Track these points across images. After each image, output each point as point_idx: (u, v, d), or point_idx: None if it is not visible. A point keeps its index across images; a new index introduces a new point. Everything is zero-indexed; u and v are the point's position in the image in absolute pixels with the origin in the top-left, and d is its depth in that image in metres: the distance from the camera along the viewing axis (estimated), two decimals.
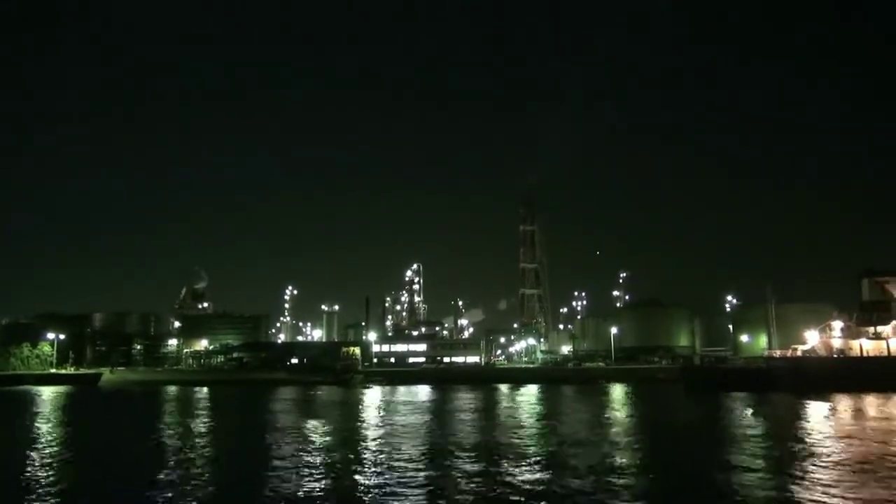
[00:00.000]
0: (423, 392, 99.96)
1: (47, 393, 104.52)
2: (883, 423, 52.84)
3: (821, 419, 56.82)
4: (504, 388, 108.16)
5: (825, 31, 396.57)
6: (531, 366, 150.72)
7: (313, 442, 45.39)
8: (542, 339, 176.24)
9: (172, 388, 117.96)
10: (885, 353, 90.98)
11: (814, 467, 33.19)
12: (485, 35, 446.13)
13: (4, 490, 30.25)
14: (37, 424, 59.25)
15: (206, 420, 63.61)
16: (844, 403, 69.26)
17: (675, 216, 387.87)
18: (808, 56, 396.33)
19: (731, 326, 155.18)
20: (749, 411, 64.22)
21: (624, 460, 36.39)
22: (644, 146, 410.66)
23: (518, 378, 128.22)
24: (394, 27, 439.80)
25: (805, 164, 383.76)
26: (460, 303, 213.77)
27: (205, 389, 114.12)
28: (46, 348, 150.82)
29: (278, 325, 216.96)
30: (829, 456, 36.72)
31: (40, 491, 29.37)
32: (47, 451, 41.70)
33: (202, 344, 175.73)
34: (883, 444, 40.88)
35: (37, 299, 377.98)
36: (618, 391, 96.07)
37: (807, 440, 43.08)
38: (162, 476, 32.17)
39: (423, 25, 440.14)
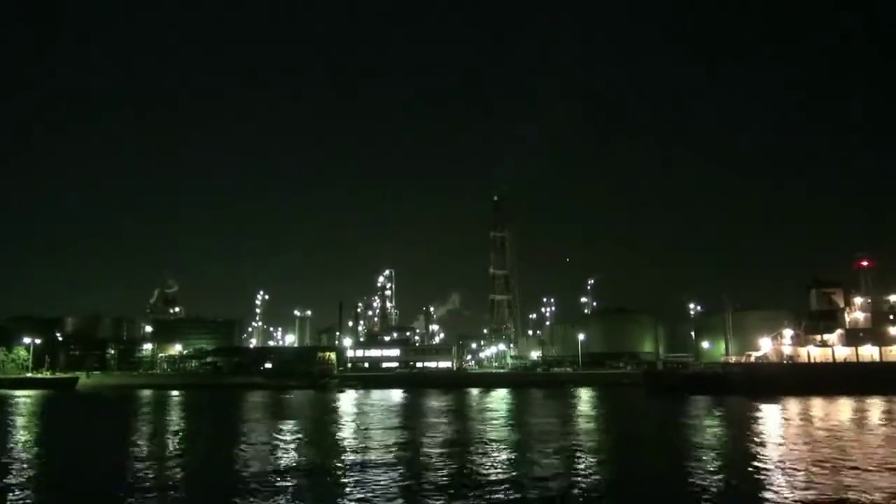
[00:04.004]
0: (396, 396, 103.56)
1: (25, 397, 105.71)
2: (823, 424, 57.73)
3: (764, 419, 61.80)
4: (475, 391, 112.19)
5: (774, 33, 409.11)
6: (501, 371, 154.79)
7: (299, 443, 48.99)
8: (511, 345, 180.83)
9: (148, 393, 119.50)
10: (831, 360, 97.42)
11: (749, 461, 37.71)
12: (456, 36, 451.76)
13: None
14: (33, 429, 61.92)
15: (187, 424, 66.53)
16: (792, 406, 74.53)
17: (643, 225, 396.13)
18: (767, 63, 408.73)
19: (693, 333, 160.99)
20: (702, 412, 69.08)
21: (582, 453, 40.70)
22: (613, 154, 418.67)
23: (488, 382, 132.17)
24: (366, 29, 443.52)
25: (770, 172, 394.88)
26: (431, 309, 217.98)
27: (180, 393, 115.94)
28: (22, 352, 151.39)
29: (250, 329, 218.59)
30: (763, 451, 41.48)
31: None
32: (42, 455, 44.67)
33: (176, 348, 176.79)
34: (823, 441, 45.24)
35: (3, 302, 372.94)
36: (584, 395, 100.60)
37: (747, 436, 47.90)
38: (145, 480, 33.01)
39: (396, 27, 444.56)
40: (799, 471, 33.80)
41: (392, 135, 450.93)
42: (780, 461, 37.11)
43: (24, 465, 37.22)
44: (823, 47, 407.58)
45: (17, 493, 29.56)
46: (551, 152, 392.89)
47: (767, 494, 28.69)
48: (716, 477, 32.82)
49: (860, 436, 48.37)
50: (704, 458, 38.53)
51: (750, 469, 34.62)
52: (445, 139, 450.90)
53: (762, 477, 32.46)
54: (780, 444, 44.59)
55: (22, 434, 54.28)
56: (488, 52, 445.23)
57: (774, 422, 60.43)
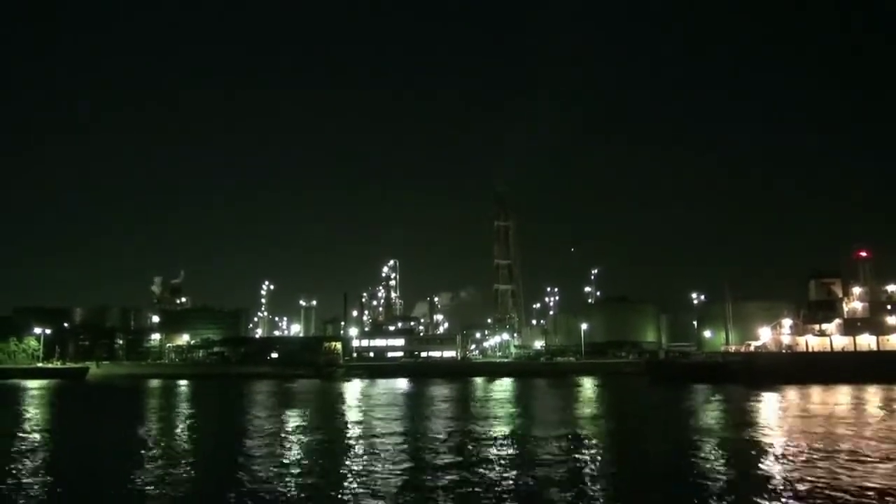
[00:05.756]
0: (402, 385, 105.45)
1: (38, 387, 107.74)
2: (820, 411, 59.24)
3: (762, 407, 63.32)
4: (479, 380, 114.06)
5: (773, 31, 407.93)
6: (505, 360, 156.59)
7: (306, 433, 50.75)
8: (515, 335, 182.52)
9: (157, 382, 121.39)
10: (829, 349, 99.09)
11: (743, 447, 39.31)
12: (459, 32, 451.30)
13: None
14: (49, 419, 63.87)
15: (196, 415, 68.13)
16: (790, 394, 76.14)
17: (647, 215, 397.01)
18: (767, 63, 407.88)
19: (695, 323, 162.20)
20: (702, 400, 70.68)
21: (584, 439, 42.37)
22: (616, 146, 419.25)
23: (492, 372, 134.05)
24: (368, 26, 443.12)
25: (770, 171, 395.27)
26: (436, 299, 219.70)
27: (188, 383, 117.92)
28: (33, 343, 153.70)
29: (256, 319, 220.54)
30: (757, 436, 43.06)
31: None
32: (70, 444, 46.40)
33: (183, 338, 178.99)
34: (819, 427, 46.60)
35: (10, 293, 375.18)
36: (587, 384, 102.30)
37: (743, 423, 49.50)
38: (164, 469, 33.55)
39: (396, 27, 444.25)
40: (792, 455, 35.27)
41: (392, 135, 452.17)
42: (773, 446, 38.54)
43: (38, 460, 37.44)
44: (823, 47, 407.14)
45: (25, 490, 29.54)
46: (551, 152, 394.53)
47: (761, 477, 29.98)
48: (713, 463, 34.27)
49: (857, 422, 49.74)
50: (701, 444, 40.01)
51: (743, 454, 36.14)
52: (445, 139, 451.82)
53: (755, 461, 33.82)
54: (775, 430, 46.08)
55: (37, 425, 55.78)
56: (488, 52, 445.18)
57: (772, 409, 61.99)
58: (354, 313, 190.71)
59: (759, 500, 25.66)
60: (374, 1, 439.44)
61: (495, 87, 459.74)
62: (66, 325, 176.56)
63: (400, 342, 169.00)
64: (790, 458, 34.70)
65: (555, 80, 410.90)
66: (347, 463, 34.40)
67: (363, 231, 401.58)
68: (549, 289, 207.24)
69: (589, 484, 29.33)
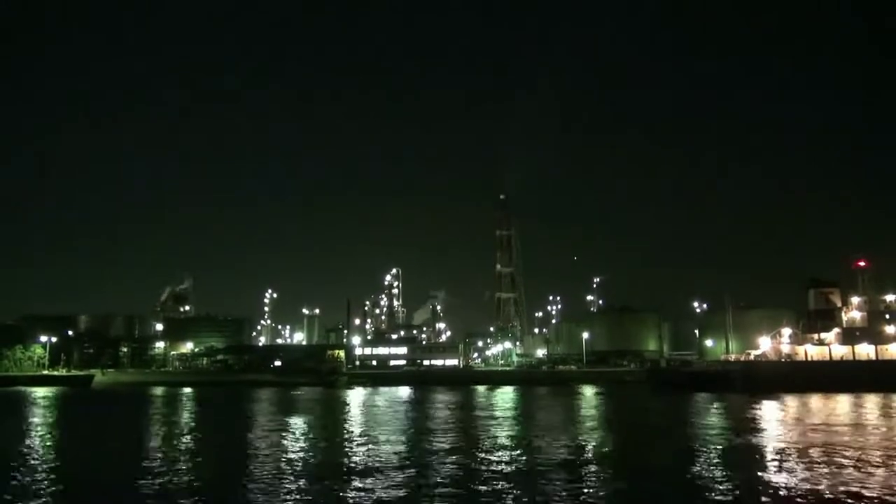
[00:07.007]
0: (404, 393, 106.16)
1: (44, 394, 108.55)
2: (819, 420, 59.81)
3: (760, 415, 64.10)
4: (481, 389, 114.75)
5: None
6: (507, 368, 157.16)
7: (312, 441, 51.56)
8: (517, 343, 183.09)
9: (161, 390, 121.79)
10: (828, 358, 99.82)
11: (739, 457, 40.13)
12: (461, 36, 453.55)
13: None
14: (59, 426, 64.81)
15: (201, 422, 69.10)
16: (789, 403, 76.85)
17: (649, 223, 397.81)
18: (767, 62, 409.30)
19: (697, 331, 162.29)
20: (702, 409, 71.41)
21: (586, 448, 43.27)
22: (614, 156, 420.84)
23: (494, 380, 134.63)
24: (367, 31, 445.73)
25: (772, 172, 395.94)
26: (438, 307, 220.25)
27: (192, 391, 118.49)
28: (38, 350, 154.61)
29: (259, 328, 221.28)
30: (748, 447, 43.89)
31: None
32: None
33: (187, 346, 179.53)
34: (817, 436, 47.46)
35: (14, 300, 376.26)
36: (588, 392, 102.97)
37: (740, 432, 50.34)
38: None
39: (398, 28, 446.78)
40: (790, 462, 36.10)
41: (393, 135, 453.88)
42: (772, 454, 39.40)
43: (43, 465, 38.48)
44: (823, 47, 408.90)
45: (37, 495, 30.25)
46: (553, 155, 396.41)
47: (760, 485, 30.90)
48: (713, 470, 35.08)
49: (855, 431, 50.42)
50: (702, 451, 40.80)
51: (742, 462, 37.01)
52: (448, 140, 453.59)
53: (754, 469, 34.72)
54: (774, 438, 46.81)
55: (47, 432, 56.73)
56: (490, 52, 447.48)
57: (771, 417, 62.73)
58: (357, 321, 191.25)
59: None
60: (376, 3, 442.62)
61: (497, 88, 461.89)
62: (70, 333, 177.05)
63: (402, 350, 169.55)
64: (789, 465, 35.51)
65: (556, 81, 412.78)
66: (347, 472, 35.27)
67: (365, 239, 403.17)
68: (551, 297, 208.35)
69: (593, 493, 30.03)
